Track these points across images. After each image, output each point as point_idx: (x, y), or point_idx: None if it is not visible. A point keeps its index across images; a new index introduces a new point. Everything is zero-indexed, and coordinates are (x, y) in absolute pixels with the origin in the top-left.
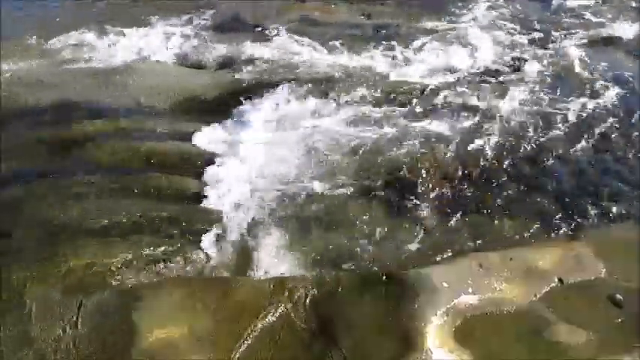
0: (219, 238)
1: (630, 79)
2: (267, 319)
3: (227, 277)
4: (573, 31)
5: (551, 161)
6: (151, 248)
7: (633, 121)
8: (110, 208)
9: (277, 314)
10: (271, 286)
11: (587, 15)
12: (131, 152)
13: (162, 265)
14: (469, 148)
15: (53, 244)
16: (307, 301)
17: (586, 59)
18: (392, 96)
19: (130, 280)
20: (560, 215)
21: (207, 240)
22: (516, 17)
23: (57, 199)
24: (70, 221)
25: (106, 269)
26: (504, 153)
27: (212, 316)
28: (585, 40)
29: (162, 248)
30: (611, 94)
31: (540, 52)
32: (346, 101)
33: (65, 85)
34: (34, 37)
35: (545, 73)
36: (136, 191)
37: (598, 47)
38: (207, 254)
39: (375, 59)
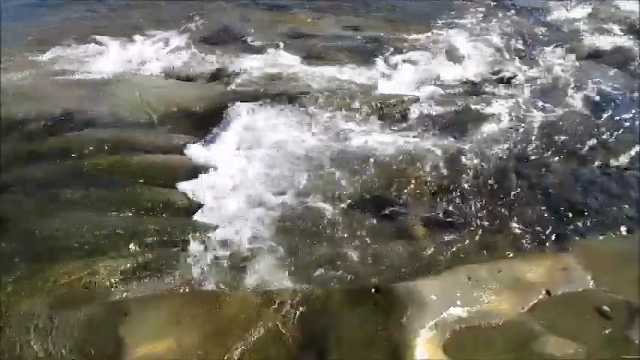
0: (208, 252)
1: (619, 92)
2: (255, 333)
3: (215, 290)
4: (562, 45)
5: (539, 174)
6: (139, 262)
7: (621, 134)
8: (98, 220)
9: (266, 328)
10: (260, 299)
11: (577, 28)
12: (120, 164)
13: (149, 278)
14: (457, 162)
15: (39, 258)
16: (296, 314)
17: (575, 73)
18: (379, 109)
19: (117, 294)
20: (548, 228)
21: (196, 253)
22: (504, 30)
23: (44, 212)
24: (57, 234)
25: (93, 283)
26: (492, 166)
27: (200, 330)
28: (574, 54)
29: (150, 262)
30: (600, 108)
31: (528, 65)
32: (334, 114)
33: (54, 98)
34: (27, 50)
35: (533, 86)
36: (124, 204)
37: (587, 60)
38: (195, 268)
39: (362, 71)
